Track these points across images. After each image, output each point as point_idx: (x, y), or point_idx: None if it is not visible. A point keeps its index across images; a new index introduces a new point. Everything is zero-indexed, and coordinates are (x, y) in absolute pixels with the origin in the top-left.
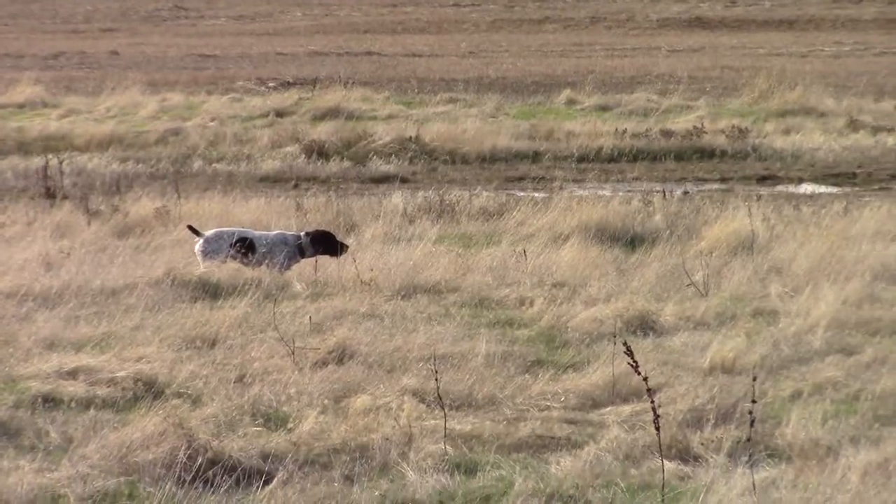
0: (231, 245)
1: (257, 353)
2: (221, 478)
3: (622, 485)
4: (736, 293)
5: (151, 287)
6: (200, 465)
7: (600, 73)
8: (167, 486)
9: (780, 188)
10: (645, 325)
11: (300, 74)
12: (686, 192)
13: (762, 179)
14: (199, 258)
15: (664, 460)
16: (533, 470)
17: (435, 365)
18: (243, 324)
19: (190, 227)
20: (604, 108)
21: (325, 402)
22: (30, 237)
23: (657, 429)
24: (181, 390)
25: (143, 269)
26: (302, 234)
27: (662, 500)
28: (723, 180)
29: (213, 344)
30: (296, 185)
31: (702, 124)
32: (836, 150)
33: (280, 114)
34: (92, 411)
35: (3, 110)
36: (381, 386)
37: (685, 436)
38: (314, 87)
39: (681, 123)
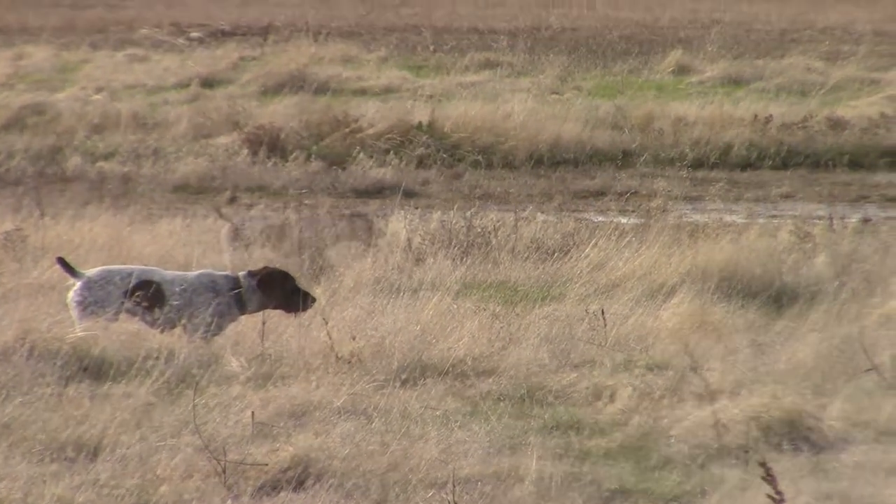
0: (126, 293)
1: (166, 469)
2: None
3: None
4: None
5: None
6: None
7: (730, 24)
8: None
9: None
10: (797, 434)
11: (242, 19)
12: (867, 220)
13: None
14: (75, 313)
15: None
16: None
17: (455, 495)
18: (144, 423)
19: (61, 263)
20: (736, 82)
21: None
22: None
23: None
24: None
25: None
26: (242, 275)
27: None
28: None
29: (94, 454)
30: (233, 199)
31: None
32: None
33: (209, 83)
34: None
35: None
36: None
37: None
38: (265, 39)
39: (860, 108)
